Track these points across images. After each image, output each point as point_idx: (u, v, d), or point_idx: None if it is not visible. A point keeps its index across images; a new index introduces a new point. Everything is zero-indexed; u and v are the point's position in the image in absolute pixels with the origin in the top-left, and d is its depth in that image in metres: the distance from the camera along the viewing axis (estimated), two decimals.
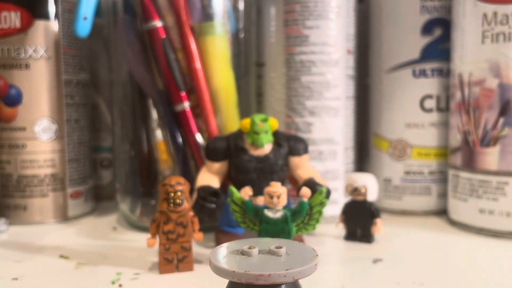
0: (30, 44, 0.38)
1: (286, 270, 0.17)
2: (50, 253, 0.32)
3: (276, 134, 0.33)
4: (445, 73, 0.40)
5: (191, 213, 0.28)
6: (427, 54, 0.40)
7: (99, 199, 0.47)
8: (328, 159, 0.39)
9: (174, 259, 0.28)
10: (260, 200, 0.30)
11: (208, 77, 0.35)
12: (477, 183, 0.36)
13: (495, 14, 0.34)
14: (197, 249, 0.32)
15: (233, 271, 0.17)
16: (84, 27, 0.33)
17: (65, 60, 0.40)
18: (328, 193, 0.31)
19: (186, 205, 0.28)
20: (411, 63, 0.40)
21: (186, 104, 0.35)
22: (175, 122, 0.36)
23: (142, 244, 0.33)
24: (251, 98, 0.44)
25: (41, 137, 0.39)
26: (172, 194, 0.27)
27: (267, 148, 0.32)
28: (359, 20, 0.43)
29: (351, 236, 0.34)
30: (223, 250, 0.19)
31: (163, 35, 0.35)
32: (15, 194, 0.39)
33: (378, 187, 0.38)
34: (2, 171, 0.39)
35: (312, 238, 0.35)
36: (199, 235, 0.28)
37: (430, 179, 0.41)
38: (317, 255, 0.18)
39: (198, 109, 0.36)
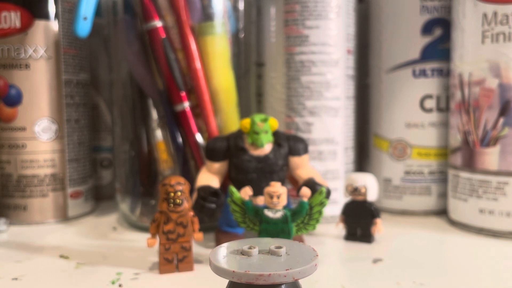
0: (30, 44, 0.38)
1: (286, 270, 0.17)
2: (50, 253, 0.32)
3: (276, 134, 0.33)
4: (445, 73, 0.40)
5: (191, 213, 0.28)
6: (427, 54, 0.40)
7: (99, 199, 0.47)
8: (328, 159, 0.39)
9: (174, 259, 0.28)
10: (260, 200, 0.30)
11: (208, 77, 0.35)
12: (477, 183, 0.36)
13: (495, 14, 0.34)
14: (197, 249, 0.32)
15: (233, 271, 0.17)
16: (84, 27, 0.33)
17: (65, 60, 0.40)
18: (328, 193, 0.31)
19: (186, 205, 0.28)
20: (411, 63, 0.40)
21: (186, 104, 0.35)
22: (175, 122, 0.36)
23: (142, 244, 0.33)
24: (251, 98, 0.44)
25: (41, 137, 0.39)
26: (172, 194, 0.27)
27: (267, 148, 0.32)
28: (359, 20, 0.43)
29: (351, 236, 0.34)
30: (223, 250, 0.19)
31: (163, 35, 0.35)
32: (15, 194, 0.39)
33: (378, 187, 0.38)
34: (2, 171, 0.39)
35: (312, 238, 0.35)
36: (199, 235, 0.28)
37: (430, 179, 0.41)
38: (317, 255, 0.18)
39: (198, 109, 0.36)
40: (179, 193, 0.27)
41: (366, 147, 0.45)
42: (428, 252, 0.32)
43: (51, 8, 0.39)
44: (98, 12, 0.37)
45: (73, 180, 0.41)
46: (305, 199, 0.29)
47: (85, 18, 0.33)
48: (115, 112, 0.40)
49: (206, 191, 0.31)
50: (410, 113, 0.41)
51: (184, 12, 0.35)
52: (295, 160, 0.33)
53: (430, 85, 0.40)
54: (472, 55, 0.36)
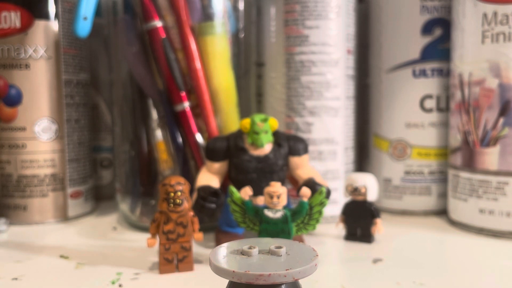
0: (30, 44, 0.38)
1: (286, 270, 0.17)
2: (50, 253, 0.32)
3: (276, 134, 0.33)
4: (445, 73, 0.40)
5: (191, 213, 0.28)
6: (427, 54, 0.40)
7: (99, 199, 0.47)
8: (328, 159, 0.39)
9: (174, 259, 0.28)
10: (260, 200, 0.30)
11: (208, 77, 0.35)
12: (477, 183, 0.36)
13: (495, 14, 0.34)
14: (197, 249, 0.32)
15: (233, 271, 0.17)
16: (84, 27, 0.33)
17: (65, 60, 0.40)
18: (328, 193, 0.31)
19: (186, 205, 0.28)
20: (411, 63, 0.40)
21: (186, 104, 0.35)
22: (175, 122, 0.36)
23: (142, 244, 0.33)
24: (251, 98, 0.44)
25: (41, 137, 0.39)
26: (172, 194, 0.27)
27: (267, 148, 0.32)
28: (359, 20, 0.43)
29: (351, 236, 0.34)
30: (223, 250, 0.19)
31: (163, 35, 0.35)
32: (15, 194, 0.39)
33: (378, 187, 0.38)
34: (2, 171, 0.39)
35: (312, 238, 0.35)
36: (199, 235, 0.28)
37: (430, 179, 0.41)
38: (317, 255, 0.18)
39: (198, 109, 0.36)
40: (179, 193, 0.27)
41: (366, 147, 0.45)
42: (428, 252, 0.32)
43: (51, 8, 0.39)
44: (98, 12, 0.37)
45: (73, 180, 0.41)
46: (305, 199, 0.29)
47: (85, 18, 0.33)
48: (115, 112, 0.40)
49: (206, 191, 0.31)
50: (410, 113, 0.41)
51: (184, 12, 0.35)
52: (295, 160, 0.33)
53: (430, 85, 0.40)
54: (472, 55, 0.36)
